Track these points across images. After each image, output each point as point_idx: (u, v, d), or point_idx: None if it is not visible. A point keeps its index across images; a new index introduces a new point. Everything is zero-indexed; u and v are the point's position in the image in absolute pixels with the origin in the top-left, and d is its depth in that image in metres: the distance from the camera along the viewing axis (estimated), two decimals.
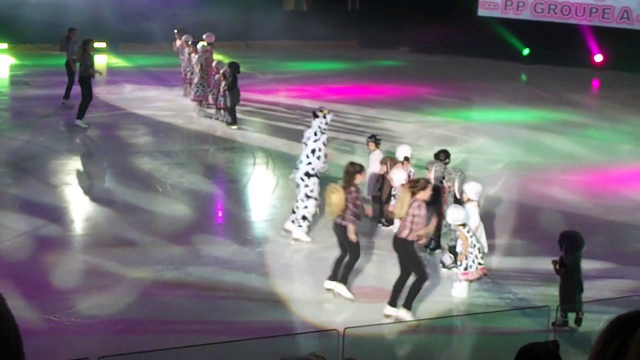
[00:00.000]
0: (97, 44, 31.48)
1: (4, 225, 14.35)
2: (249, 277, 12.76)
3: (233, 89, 21.40)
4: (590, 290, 12.31)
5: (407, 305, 11.29)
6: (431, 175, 13.76)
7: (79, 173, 18.01)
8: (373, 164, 15.20)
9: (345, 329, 9.83)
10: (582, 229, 15.03)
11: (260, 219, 15.34)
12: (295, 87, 27.18)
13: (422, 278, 11.32)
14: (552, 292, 12.30)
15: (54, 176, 17.65)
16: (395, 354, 10.92)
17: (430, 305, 11.97)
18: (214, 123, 22.02)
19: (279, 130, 21.40)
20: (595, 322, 10.89)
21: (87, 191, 16.64)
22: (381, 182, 15.04)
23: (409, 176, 14.06)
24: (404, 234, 11.19)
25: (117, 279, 12.39)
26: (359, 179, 12.21)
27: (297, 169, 14.11)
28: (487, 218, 14.84)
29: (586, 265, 13.48)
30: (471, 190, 12.64)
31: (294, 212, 14.14)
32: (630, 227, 15.61)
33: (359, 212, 11.96)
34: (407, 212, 11.10)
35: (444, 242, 13.77)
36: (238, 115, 21.74)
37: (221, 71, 21.76)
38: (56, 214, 15.12)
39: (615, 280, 12.97)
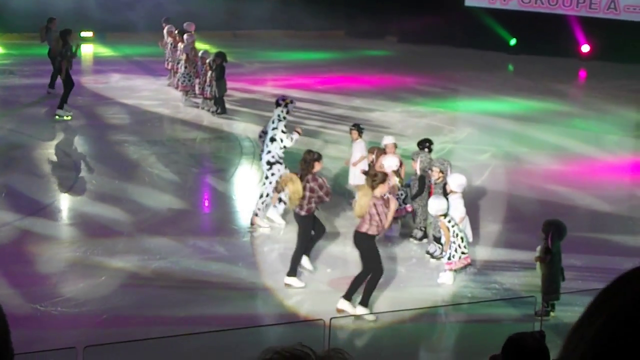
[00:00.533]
0: (84, 34, 31.51)
1: None
2: (234, 267, 12.76)
3: (220, 79, 21.36)
4: (576, 280, 12.38)
5: (364, 303, 11.22)
6: (416, 166, 13.77)
7: (64, 162, 17.94)
8: (356, 153, 15.21)
9: (332, 318, 9.83)
10: (569, 219, 15.07)
11: (246, 209, 15.30)
12: (282, 77, 27.11)
13: (377, 274, 11.27)
14: (538, 283, 12.34)
15: (39, 166, 17.59)
16: (381, 343, 10.93)
17: (417, 294, 12.00)
18: (201, 113, 21.97)
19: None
20: (580, 312, 10.90)
21: (73, 181, 16.58)
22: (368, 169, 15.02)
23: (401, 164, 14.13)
24: (364, 229, 11.12)
25: (103, 268, 12.38)
26: (317, 167, 12.22)
27: (261, 159, 14.16)
28: (474, 208, 14.87)
29: (572, 255, 13.54)
30: (454, 182, 12.65)
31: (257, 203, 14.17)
32: (616, 217, 15.66)
33: (324, 196, 11.96)
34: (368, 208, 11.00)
35: (430, 232, 13.78)
36: (225, 104, 21.70)
37: (207, 61, 21.69)
38: (42, 204, 15.07)
39: (601, 270, 13.00)
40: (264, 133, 14.33)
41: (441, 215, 12.16)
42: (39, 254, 12.77)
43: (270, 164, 13.93)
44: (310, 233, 12.19)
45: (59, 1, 30.31)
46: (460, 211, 12.50)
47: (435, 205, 12.19)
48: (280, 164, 13.95)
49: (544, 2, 33.09)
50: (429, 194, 13.47)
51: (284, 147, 13.98)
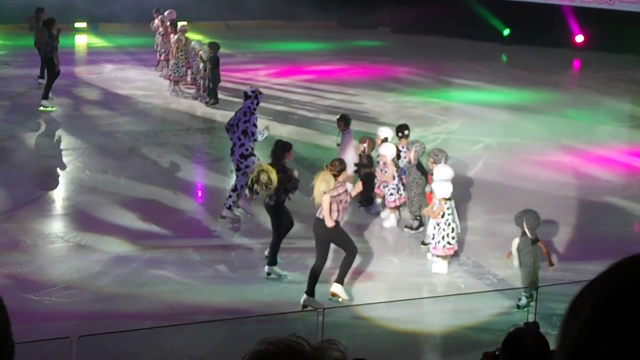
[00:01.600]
0: (77, 24, 31.43)
1: None
2: (228, 256, 12.77)
3: (214, 69, 21.32)
4: (570, 271, 12.41)
5: (340, 281, 11.33)
6: (411, 156, 13.78)
7: (57, 153, 17.89)
8: (344, 144, 15.18)
9: (325, 309, 9.84)
10: (562, 209, 15.18)
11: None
12: (274, 67, 27.08)
13: (354, 252, 11.40)
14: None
15: (32, 156, 17.57)
16: (374, 334, 10.94)
17: (410, 285, 12.02)
18: (194, 103, 21.93)
19: (259, 111, 21.19)
20: None
21: (66, 171, 16.56)
22: (359, 161, 15.03)
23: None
24: (334, 217, 10.98)
25: (96, 258, 12.38)
26: (287, 157, 12.22)
27: (233, 152, 13.95)
28: (467, 199, 14.90)
29: (567, 246, 13.58)
30: (440, 174, 12.63)
31: (229, 196, 14.02)
32: (610, 208, 15.68)
33: (292, 188, 11.94)
34: (333, 197, 10.89)
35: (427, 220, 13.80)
36: (218, 95, 21.67)
37: (200, 52, 21.65)
38: (34, 194, 15.06)
39: (595, 261, 13.01)
40: (231, 126, 14.05)
41: (444, 199, 12.18)
42: (32, 245, 12.75)
43: (244, 157, 13.75)
44: (283, 221, 12.15)
45: None
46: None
47: (443, 187, 12.21)
48: (254, 155, 13.83)
49: None
50: (426, 184, 13.49)
51: (255, 140, 13.89)
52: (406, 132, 14.81)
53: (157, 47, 24.78)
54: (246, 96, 13.97)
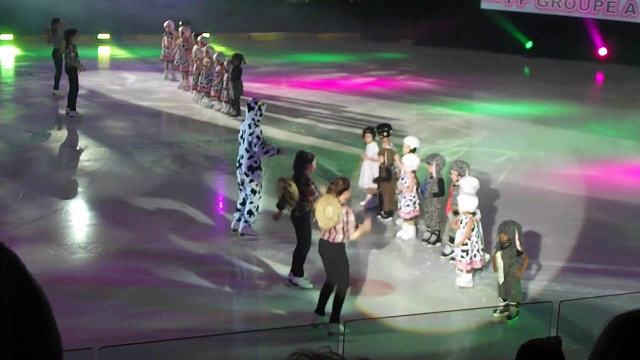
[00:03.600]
0: (100, 35, 31.64)
1: (7, 214, 14.35)
2: (251, 267, 12.76)
3: (237, 81, 21.39)
4: (593, 286, 12.33)
5: (336, 318, 10.73)
6: (432, 169, 13.74)
7: (80, 164, 17.98)
8: (369, 156, 15.23)
9: (346, 322, 9.82)
10: (585, 223, 15.09)
11: (260, 211, 15.27)
12: (297, 79, 27.13)
13: (346, 285, 10.91)
14: (554, 287, 12.33)
15: (54, 167, 17.66)
16: (396, 348, 10.89)
17: (432, 298, 11.96)
18: (216, 114, 21.99)
19: (280, 122, 21.38)
20: (597, 318, 10.86)
21: (89, 182, 16.63)
22: (379, 174, 15.05)
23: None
24: (338, 239, 10.71)
25: (118, 269, 12.40)
26: (310, 169, 12.15)
27: (240, 165, 13.76)
28: (489, 212, 14.83)
29: (589, 260, 13.50)
30: (467, 184, 12.57)
31: (238, 209, 13.89)
32: (634, 222, 15.56)
33: (312, 201, 11.72)
34: (338, 220, 10.56)
35: (444, 235, 13.76)
36: (241, 107, 21.73)
37: (224, 63, 21.74)
38: (57, 205, 15.12)
39: (618, 276, 12.93)
40: (242, 139, 13.90)
41: (470, 213, 12.12)
42: (53, 255, 12.80)
43: (252, 169, 13.57)
44: (307, 232, 12.10)
45: (76, 4, 30.43)
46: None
47: (467, 201, 12.14)
48: (261, 169, 13.72)
49: (561, 4, 32.98)
50: (448, 197, 13.46)
51: (267, 152, 13.65)
52: (389, 131, 15.12)
53: (166, 57, 25.14)
54: (249, 108, 13.80)
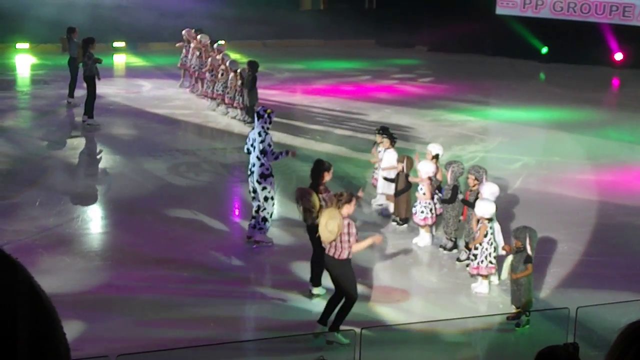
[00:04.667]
0: (116, 44, 31.75)
1: (24, 222, 14.40)
2: (266, 275, 12.77)
3: (252, 88, 21.42)
4: (610, 292, 12.27)
5: (337, 328, 10.67)
6: (449, 176, 13.71)
7: (96, 172, 18.06)
8: (385, 161, 15.22)
9: (362, 329, 9.80)
10: (601, 229, 15.03)
11: (274, 218, 15.27)
12: (311, 86, 27.17)
13: (353, 299, 10.73)
14: (571, 293, 12.27)
15: (72, 175, 17.71)
16: (413, 354, 10.87)
17: (448, 305, 11.93)
18: (231, 122, 22.03)
19: (296, 129, 21.40)
20: (615, 324, 10.81)
21: (105, 190, 16.69)
22: (396, 179, 15.03)
23: (436, 173, 14.10)
24: (343, 256, 10.58)
25: (134, 277, 12.42)
26: (327, 178, 12.15)
27: (251, 173, 13.75)
28: (505, 218, 14.78)
29: (606, 266, 13.44)
30: (487, 190, 12.55)
31: (253, 217, 13.91)
32: None
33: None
34: (340, 233, 10.47)
35: (461, 242, 13.72)
36: None
37: (237, 70, 21.77)
38: (73, 212, 15.17)
39: (636, 281, 12.88)
40: (253, 147, 14.00)
41: (486, 219, 12.08)
42: (70, 263, 12.84)
43: (264, 176, 13.59)
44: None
45: (92, 12, 30.59)
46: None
47: (484, 207, 12.10)
48: (272, 176, 13.71)
49: (576, 10, 32.90)
50: (463, 205, 13.44)
51: (276, 158, 13.65)
52: (386, 134, 15.27)
53: (183, 65, 25.24)
54: (259, 116, 13.82)
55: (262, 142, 13.53)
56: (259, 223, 13.75)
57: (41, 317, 1.73)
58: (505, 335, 11.34)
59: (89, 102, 21.06)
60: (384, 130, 15.61)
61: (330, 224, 10.47)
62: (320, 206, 11.49)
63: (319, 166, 12.21)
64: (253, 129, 14.07)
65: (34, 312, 1.69)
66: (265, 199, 13.63)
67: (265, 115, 13.67)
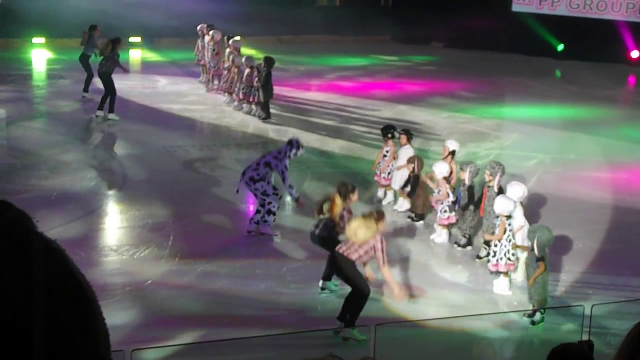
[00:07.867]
0: (132, 39, 31.80)
1: (40, 217, 14.43)
2: (280, 270, 12.77)
3: (267, 84, 21.43)
4: (625, 289, 12.25)
5: (352, 324, 10.81)
6: (465, 176, 13.69)
7: (112, 166, 18.10)
8: (402, 158, 15.25)
9: (377, 325, 9.81)
10: (616, 226, 14.99)
11: (289, 214, 15.27)
12: (327, 82, 27.16)
13: (366, 293, 10.84)
14: (586, 291, 12.25)
15: (87, 169, 17.75)
16: (427, 350, 10.87)
17: (463, 301, 11.92)
18: (246, 118, 22.04)
19: (311, 125, 21.39)
20: (630, 322, 10.77)
21: (120, 184, 16.73)
22: (408, 178, 15.06)
23: (451, 172, 14.10)
24: (354, 257, 10.78)
25: (149, 272, 12.46)
26: (353, 199, 12.19)
27: (244, 174, 13.86)
28: None
29: (621, 264, 13.41)
30: (514, 194, 12.44)
31: (258, 211, 13.97)
32: None
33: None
34: (368, 241, 10.70)
35: (476, 239, 13.70)
36: (270, 110, 21.79)
37: (252, 66, 21.77)
38: (90, 207, 15.22)
39: None
40: (264, 155, 14.07)
41: (505, 216, 12.05)
42: (85, 258, 12.88)
43: (253, 180, 13.71)
44: (335, 238, 12.06)
45: (108, 7, 30.63)
46: (519, 221, 12.37)
47: (502, 204, 12.05)
48: (263, 181, 13.72)
49: (593, 7, 32.77)
50: (482, 198, 13.41)
51: (284, 181, 13.76)
52: (394, 133, 15.52)
53: (199, 60, 25.27)
54: (290, 143, 13.98)
55: (276, 158, 13.62)
56: (265, 216, 13.85)
57: (78, 308, 1.66)
58: (520, 333, 11.32)
59: (110, 98, 21.17)
60: (389, 128, 15.76)
61: (360, 232, 10.71)
62: (329, 215, 11.66)
63: (343, 190, 12.13)
64: (277, 152, 14.06)
65: (71, 303, 1.60)
66: (265, 194, 13.76)
67: (296, 145, 13.85)
